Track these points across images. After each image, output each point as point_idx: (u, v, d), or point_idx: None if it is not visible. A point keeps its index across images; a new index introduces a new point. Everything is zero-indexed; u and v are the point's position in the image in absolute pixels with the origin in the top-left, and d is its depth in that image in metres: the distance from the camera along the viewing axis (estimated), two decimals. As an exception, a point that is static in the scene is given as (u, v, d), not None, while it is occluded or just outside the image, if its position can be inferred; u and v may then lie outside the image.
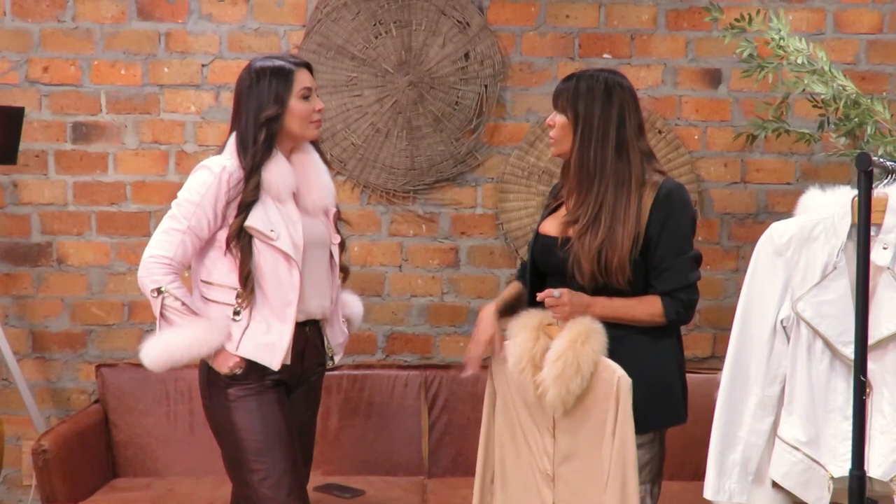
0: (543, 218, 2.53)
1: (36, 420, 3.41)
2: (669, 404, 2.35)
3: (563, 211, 2.44)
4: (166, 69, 3.57)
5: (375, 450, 3.45)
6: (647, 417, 2.27)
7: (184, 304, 2.43)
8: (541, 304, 2.35)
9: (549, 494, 2.36)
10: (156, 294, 2.42)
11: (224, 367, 2.45)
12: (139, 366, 3.44)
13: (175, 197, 2.49)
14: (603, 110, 2.33)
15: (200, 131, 3.58)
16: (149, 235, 3.52)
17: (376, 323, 3.66)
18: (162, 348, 2.43)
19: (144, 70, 3.57)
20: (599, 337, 2.25)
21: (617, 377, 2.18)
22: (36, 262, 3.61)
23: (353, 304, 2.81)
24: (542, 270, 2.46)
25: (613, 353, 2.25)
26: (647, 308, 2.31)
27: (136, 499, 3.18)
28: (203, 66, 3.57)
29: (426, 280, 3.66)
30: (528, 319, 2.37)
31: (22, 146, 3.34)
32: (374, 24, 3.55)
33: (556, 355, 2.24)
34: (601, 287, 2.30)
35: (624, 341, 2.29)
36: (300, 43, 3.55)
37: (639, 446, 2.28)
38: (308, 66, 2.54)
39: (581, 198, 2.34)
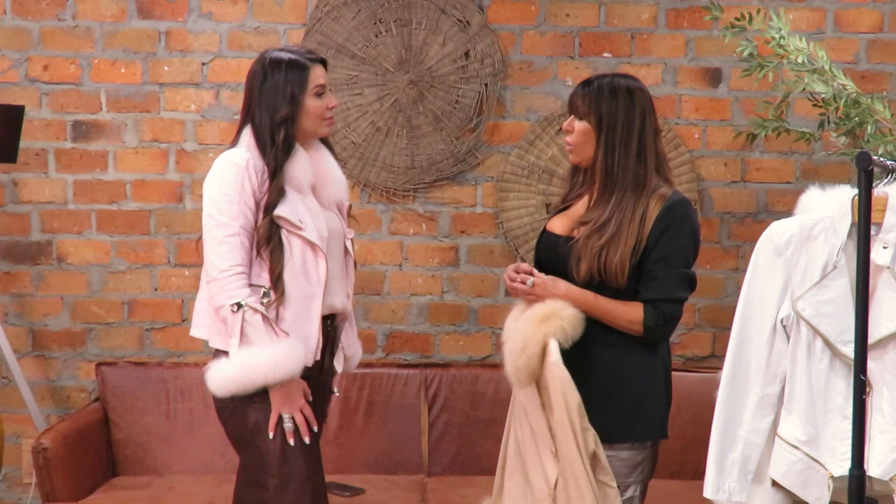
0: (553, 216, 2.51)
1: (36, 418, 3.41)
2: (648, 419, 2.32)
3: (572, 210, 2.42)
4: (166, 68, 3.57)
5: (375, 448, 3.45)
6: (622, 429, 2.28)
7: (265, 318, 2.25)
8: None
9: (553, 469, 2.27)
10: (235, 309, 2.23)
11: (297, 400, 2.31)
12: (139, 364, 3.51)
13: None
14: (627, 113, 2.30)
15: (200, 130, 3.58)
16: (149, 234, 3.58)
17: (376, 322, 3.66)
18: (237, 369, 2.24)
19: (144, 68, 3.56)
20: (558, 321, 2.21)
21: (557, 376, 2.16)
22: (36, 260, 3.60)
23: (354, 344, 2.70)
24: (546, 267, 2.46)
25: (600, 360, 2.26)
26: (628, 312, 2.28)
27: (136, 497, 3.18)
28: (203, 64, 3.57)
29: (426, 279, 3.66)
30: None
31: (22, 144, 3.34)
32: (375, 23, 3.54)
33: (509, 331, 2.27)
34: (596, 286, 2.28)
35: (615, 350, 2.29)
36: (300, 42, 3.55)
37: (629, 448, 2.29)
38: (323, 62, 2.46)
39: (601, 201, 2.32)
